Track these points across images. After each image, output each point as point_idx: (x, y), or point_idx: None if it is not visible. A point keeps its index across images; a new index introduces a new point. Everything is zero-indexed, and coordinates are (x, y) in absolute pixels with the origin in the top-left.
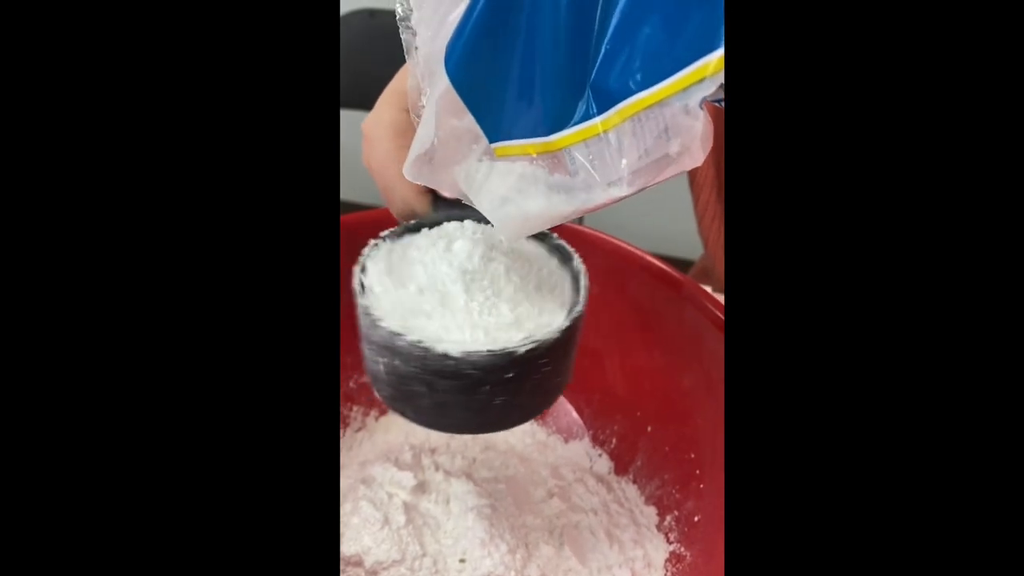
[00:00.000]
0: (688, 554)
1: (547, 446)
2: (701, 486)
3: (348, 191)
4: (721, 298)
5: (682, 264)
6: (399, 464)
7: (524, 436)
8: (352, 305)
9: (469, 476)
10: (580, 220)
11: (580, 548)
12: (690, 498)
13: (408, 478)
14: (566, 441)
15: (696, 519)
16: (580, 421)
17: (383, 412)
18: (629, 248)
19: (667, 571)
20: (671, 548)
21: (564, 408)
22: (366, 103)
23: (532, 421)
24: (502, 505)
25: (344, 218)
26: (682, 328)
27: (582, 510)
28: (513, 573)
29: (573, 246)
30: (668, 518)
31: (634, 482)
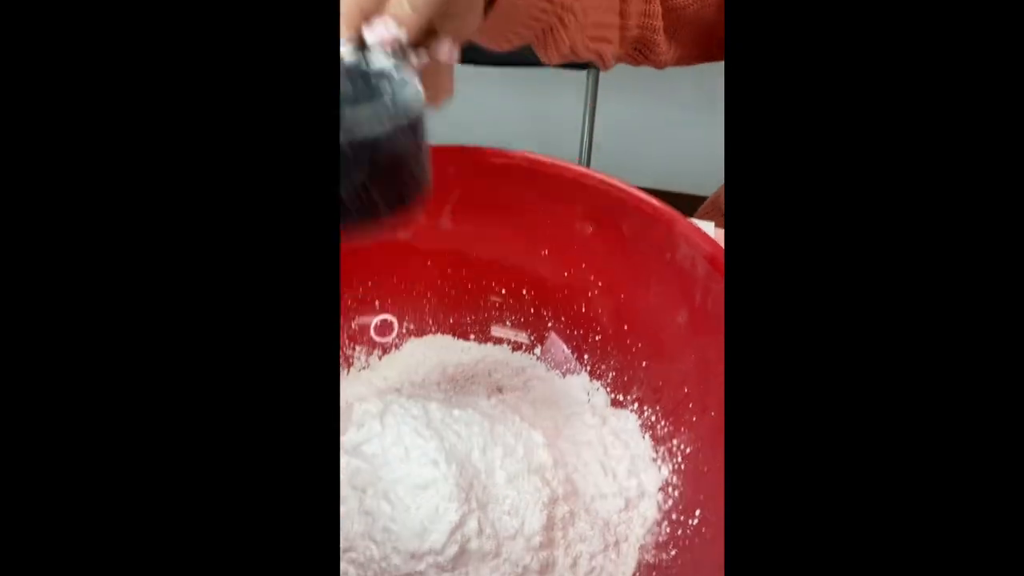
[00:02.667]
0: (680, 483)
1: (545, 382)
2: (694, 419)
3: None
4: (721, 233)
5: (692, 200)
6: (402, 396)
7: (523, 372)
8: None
9: (474, 408)
10: (588, 159)
11: (577, 479)
12: (683, 430)
13: (415, 405)
14: (564, 376)
15: (688, 451)
16: (576, 357)
17: (385, 352)
18: (622, 187)
19: (659, 500)
20: (664, 478)
21: (559, 346)
22: None
23: (532, 356)
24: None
25: None
26: (676, 265)
27: (580, 442)
28: (509, 501)
29: (562, 189)
30: (662, 449)
31: (630, 415)
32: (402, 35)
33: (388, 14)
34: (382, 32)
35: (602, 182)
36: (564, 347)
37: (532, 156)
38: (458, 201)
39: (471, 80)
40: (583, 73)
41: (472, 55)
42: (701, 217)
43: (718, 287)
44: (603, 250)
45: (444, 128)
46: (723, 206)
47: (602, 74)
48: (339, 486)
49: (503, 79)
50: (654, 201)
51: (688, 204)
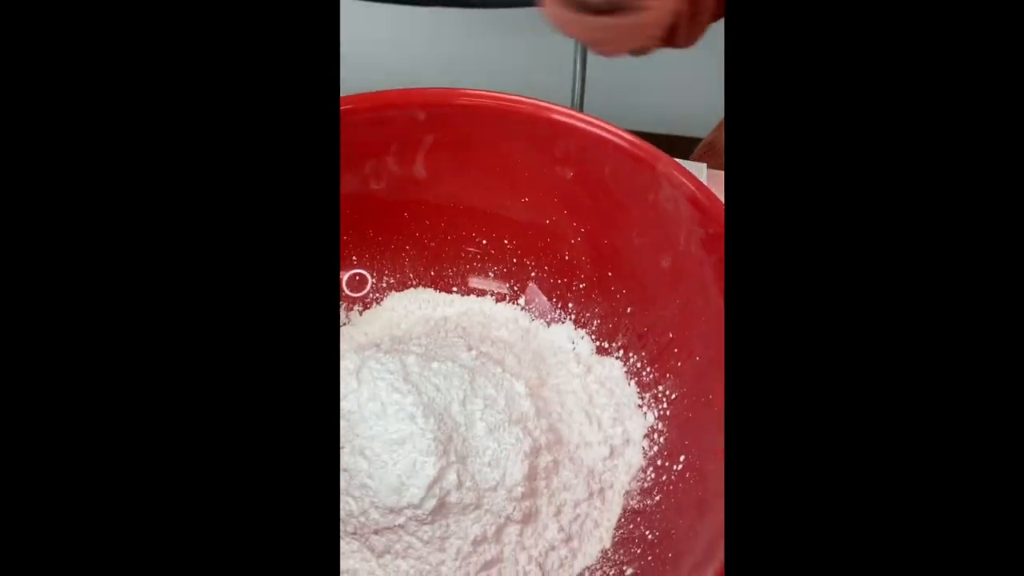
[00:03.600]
0: (666, 429)
1: (529, 332)
2: (679, 364)
3: (350, 83)
4: (713, 175)
5: (690, 143)
6: (381, 351)
7: (507, 323)
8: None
9: (454, 361)
10: (581, 104)
11: (561, 428)
12: (668, 376)
13: (391, 360)
14: (548, 325)
15: (674, 396)
16: (560, 306)
17: (366, 307)
18: (601, 125)
19: (645, 446)
20: (649, 424)
21: (540, 296)
22: None
23: (516, 307)
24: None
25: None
26: (659, 207)
27: (564, 391)
28: (490, 453)
29: (538, 130)
30: (647, 396)
31: (615, 363)
32: None
33: None
34: None
35: (579, 119)
36: (544, 298)
37: (502, 95)
38: (431, 148)
39: (459, 24)
40: None
41: None
42: (697, 159)
43: (701, 229)
44: (585, 195)
45: (432, 74)
46: (719, 147)
47: None
48: (339, 448)
49: (493, 22)
50: (635, 139)
51: (687, 147)
